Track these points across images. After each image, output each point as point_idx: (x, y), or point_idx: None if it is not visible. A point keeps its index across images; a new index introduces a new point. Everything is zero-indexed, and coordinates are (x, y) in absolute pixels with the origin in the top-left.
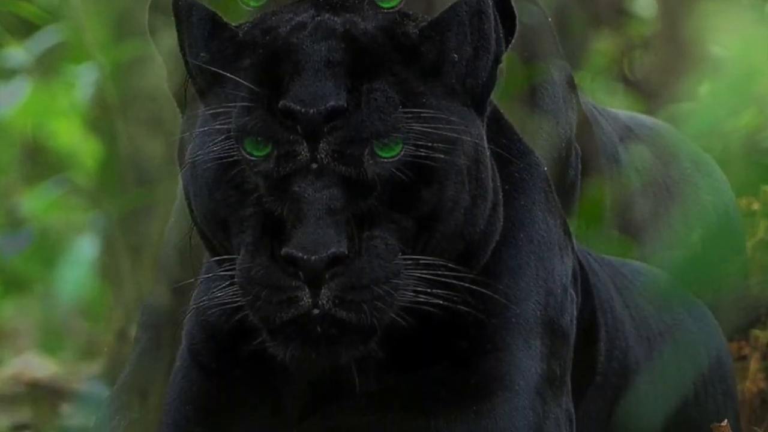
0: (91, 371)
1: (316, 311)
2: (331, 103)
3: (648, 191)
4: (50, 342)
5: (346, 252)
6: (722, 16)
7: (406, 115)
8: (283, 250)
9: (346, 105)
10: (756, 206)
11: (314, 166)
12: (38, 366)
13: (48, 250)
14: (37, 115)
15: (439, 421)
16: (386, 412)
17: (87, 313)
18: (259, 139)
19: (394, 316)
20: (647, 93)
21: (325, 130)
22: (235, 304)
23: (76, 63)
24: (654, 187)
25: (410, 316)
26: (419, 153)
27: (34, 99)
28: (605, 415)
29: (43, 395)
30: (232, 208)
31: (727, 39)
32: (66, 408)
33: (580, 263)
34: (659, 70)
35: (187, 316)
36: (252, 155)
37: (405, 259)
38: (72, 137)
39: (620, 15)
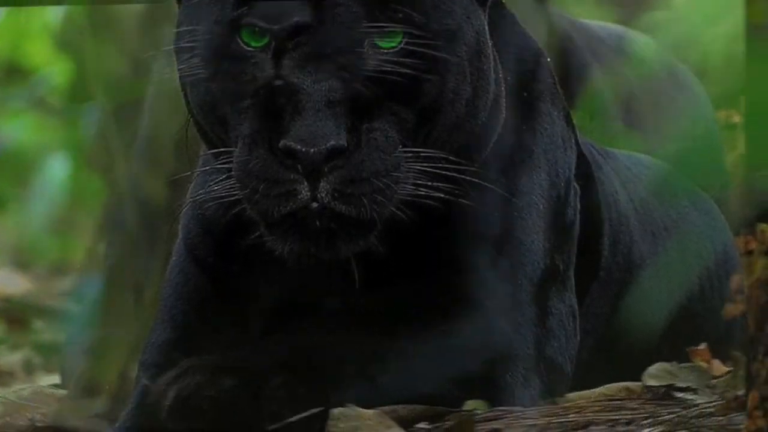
0: (63, 287)
1: (314, 205)
2: (332, 142)
3: (652, 84)
4: (23, 258)
5: (346, 144)
6: None
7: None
8: (282, 143)
9: (346, 144)
10: (736, 119)
11: (314, 205)
12: (11, 282)
13: (21, 168)
14: (11, 36)
15: (406, 338)
16: (355, 332)
17: (59, 230)
18: (256, 29)
19: (393, 209)
20: (619, 1)
21: (326, 169)
22: (232, 198)
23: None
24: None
25: (410, 209)
26: (420, 43)
27: (7, 21)
28: (609, 311)
29: (16, 311)
30: (229, 99)
31: None
32: (38, 324)
33: (583, 156)
34: None
35: (184, 210)
36: (249, 46)
37: (405, 152)
38: (44, 57)
39: None
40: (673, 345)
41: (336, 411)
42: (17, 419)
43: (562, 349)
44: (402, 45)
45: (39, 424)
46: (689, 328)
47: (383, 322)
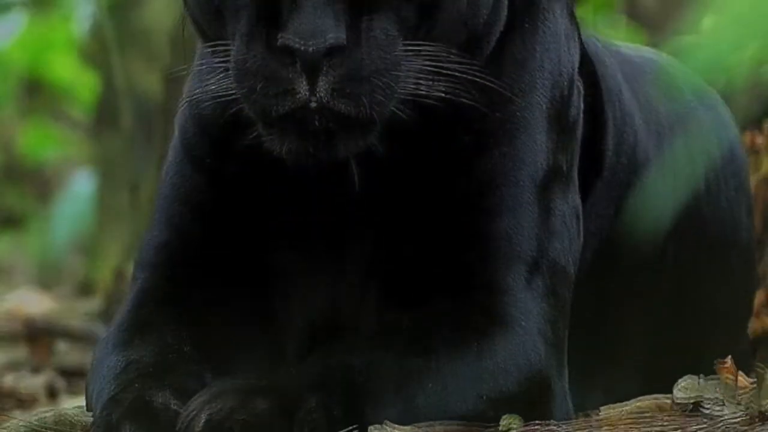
0: (88, 308)
1: (313, 103)
2: (331, 39)
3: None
4: (46, 278)
5: (345, 41)
6: None
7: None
8: (280, 39)
9: (345, 41)
10: (760, 141)
11: (313, 104)
12: (34, 302)
13: (44, 185)
14: (34, 48)
15: (441, 357)
16: (387, 350)
17: (83, 249)
18: None
19: (394, 108)
20: (651, 26)
21: (325, 66)
22: (229, 96)
23: None
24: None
25: (411, 109)
26: None
27: (30, 32)
28: (614, 210)
29: (39, 332)
30: None
31: None
32: (61, 345)
33: (586, 51)
34: (663, 2)
35: (180, 109)
36: None
37: (406, 49)
38: (69, 71)
39: None
40: (678, 245)
41: (372, 428)
42: None
43: (565, 251)
44: None
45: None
46: (695, 227)
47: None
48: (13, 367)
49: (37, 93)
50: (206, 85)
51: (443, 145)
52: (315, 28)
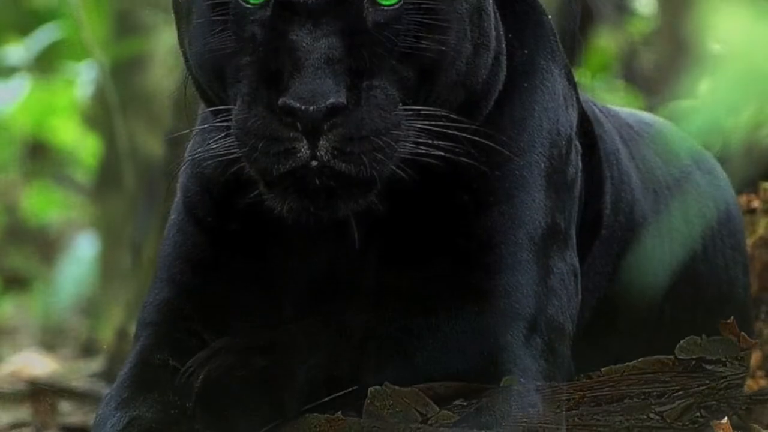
0: (91, 368)
1: (314, 163)
2: (331, 100)
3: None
4: (50, 339)
5: (345, 102)
6: (722, 14)
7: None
8: (281, 100)
9: (346, 102)
10: (756, 203)
11: (314, 163)
12: (38, 363)
13: (48, 247)
14: (37, 112)
15: (440, 317)
16: (386, 311)
17: (86, 310)
18: None
19: (394, 168)
20: (648, 90)
21: (325, 127)
22: (231, 156)
23: (76, 61)
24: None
25: (411, 168)
26: (421, 1)
27: (34, 96)
28: (611, 269)
29: (43, 392)
30: (228, 57)
31: (727, 36)
32: (65, 405)
33: (585, 113)
34: (659, 67)
35: (182, 168)
36: (248, 2)
37: (406, 110)
38: (71, 134)
39: (621, 12)
40: (675, 304)
41: (372, 389)
42: None
43: (563, 308)
44: (402, 2)
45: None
46: (692, 286)
47: (397, 295)
48: (18, 427)
49: (40, 156)
50: (208, 145)
51: (443, 204)
52: (316, 89)
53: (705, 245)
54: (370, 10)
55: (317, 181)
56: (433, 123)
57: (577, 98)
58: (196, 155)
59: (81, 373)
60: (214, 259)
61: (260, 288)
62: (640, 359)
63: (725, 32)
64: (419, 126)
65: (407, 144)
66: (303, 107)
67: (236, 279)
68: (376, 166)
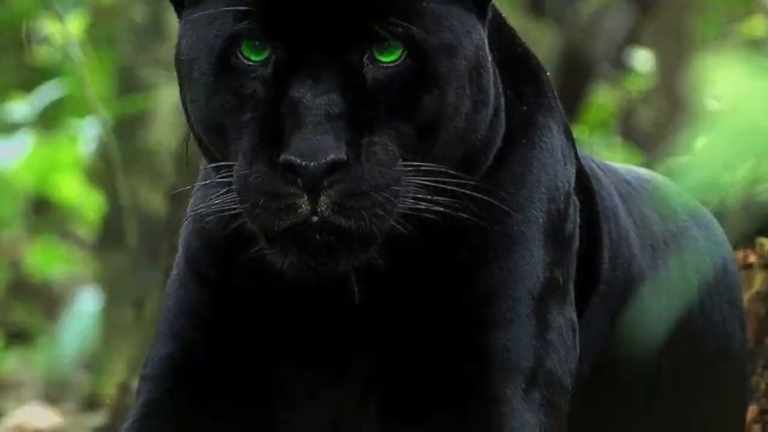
0: (94, 423)
1: (315, 218)
2: (332, 156)
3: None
4: (53, 393)
5: (346, 158)
6: (719, 70)
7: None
8: (282, 157)
9: (346, 158)
10: (753, 259)
11: (315, 219)
12: (41, 417)
13: (51, 302)
14: (41, 168)
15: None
16: (385, 363)
17: (89, 365)
18: (257, 43)
19: (394, 223)
20: (645, 146)
21: (326, 183)
22: (232, 212)
23: (79, 117)
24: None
25: (411, 223)
26: (420, 58)
27: (37, 153)
28: (609, 324)
29: None
30: (230, 113)
31: (724, 93)
32: None
33: (583, 169)
34: (657, 123)
35: (184, 224)
36: (249, 60)
37: (405, 166)
38: (75, 190)
39: (619, 69)
40: (673, 359)
41: None
42: None
43: (562, 363)
44: (402, 59)
45: None
46: (689, 341)
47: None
48: None
49: (43, 212)
50: (210, 201)
51: (443, 259)
52: (316, 146)
53: (702, 300)
54: (370, 66)
55: (318, 237)
56: (433, 179)
57: (576, 154)
58: (198, 211)
59: (84, 427)
60: (216, 314)
61: (262, 343)
62: None
63: (722, 89)
64: (419, 182)
65: (407, 200)
66: (303, 163)
67: (238, 334)
68: (376, 222)
